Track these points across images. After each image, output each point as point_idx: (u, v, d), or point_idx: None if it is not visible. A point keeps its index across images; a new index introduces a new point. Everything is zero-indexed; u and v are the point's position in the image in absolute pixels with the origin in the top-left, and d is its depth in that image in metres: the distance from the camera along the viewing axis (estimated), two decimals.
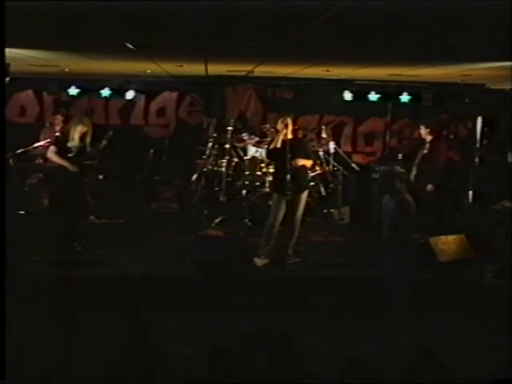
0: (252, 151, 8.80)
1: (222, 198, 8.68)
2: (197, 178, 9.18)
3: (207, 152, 9.25)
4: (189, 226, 8.08)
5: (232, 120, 9.27)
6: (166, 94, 10.52)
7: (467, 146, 9.59)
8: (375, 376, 3.45)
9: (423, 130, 7.88)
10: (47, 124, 9.60)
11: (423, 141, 7.89)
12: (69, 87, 9.91)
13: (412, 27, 4.20)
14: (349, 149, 10.37)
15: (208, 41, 5.32)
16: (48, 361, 3.77)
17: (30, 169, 8.63)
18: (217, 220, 8.26)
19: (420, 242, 6.99)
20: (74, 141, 6.89)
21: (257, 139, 8.92)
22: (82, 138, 6.92)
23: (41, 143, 8.49)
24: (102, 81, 10.06)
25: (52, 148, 6.98)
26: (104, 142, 7.03)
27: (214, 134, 9.49)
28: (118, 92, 10.11)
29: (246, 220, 8.01)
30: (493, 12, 3.37)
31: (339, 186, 9.06)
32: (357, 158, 10.32)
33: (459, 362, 4.27)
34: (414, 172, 7.79)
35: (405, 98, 10.06)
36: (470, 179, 9.71)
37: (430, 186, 7.55)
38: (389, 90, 10.08)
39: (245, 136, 8.99)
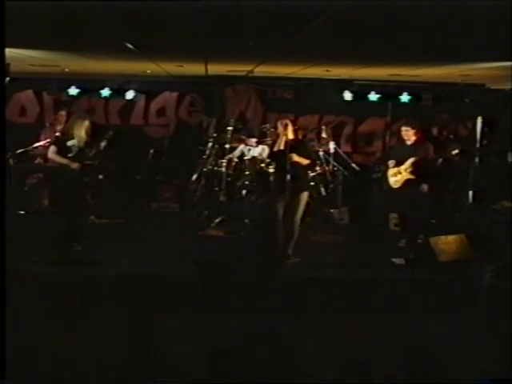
0: (246, 151, 8.82)
1: (222, 198, 8.68)
2: (197, 178, 9.17)
3: (207, 152, 9.25)
4: (189, 226, 8.07)
5: (232, 120, 9.27)
6: (166, 94, 10.52)
7: (467, 146, 9.57)
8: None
9: (410, 131, 7.37)
10: (47, 124, 9.60)
11: (404, 141, 7.47)
12: (69, 87, 9.91)
13: (412, 27, 4.20)
14: (349, 149, 10.37)
15: (208, 41, 5.32)
16: (48, 361, 3.77)
17: (29, 169, 8.63)
18: (217, 220, 8.25)
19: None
20: (81, 138, 6.87)
21: (255, 140, 8.90)
22: (87, 132, 6.92)
23: (41, 143, 8.49)
24: (102, 81, 10.06)
25: (52, 148, 6.97)
26: (103, 144, 7.01)
27: (214, 134, 9.49)
28: (118, 92, 10.11)
29: (246, 220, 8.00)
30: (493, 12, 3.37)
31: (339, 185, 9.07)
32: (357, 158, 10.32)
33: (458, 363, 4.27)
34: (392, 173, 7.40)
35: (405, 97, 10.06)
36: (470, 179, 9.73)
37: (424, 187, 7.30)
38: (389, 90, 10.08)
39: (243, 137, 9.00)
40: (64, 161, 6.84)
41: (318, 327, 5.44)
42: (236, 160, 8.80)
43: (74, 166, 6.81)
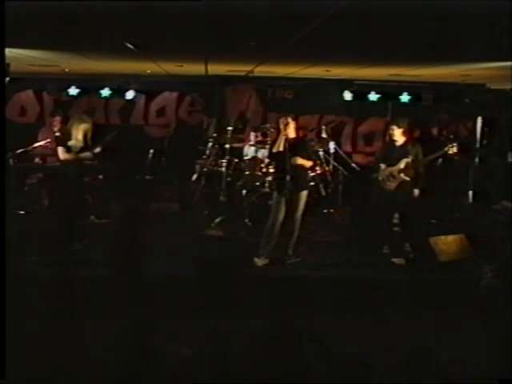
0: (251, 151, 8.83)
1: (222, 198, 8.68)
2: (197, 178, 9.17)
3: (207, 152, 9.26)
4: (189, 226, 8.07)
5: (232, 120, 9.27)
6: (166, 94, 10.54)
7: (467, 146, 9.57)
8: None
9: (396, 131, 7.03)
10: (47, 124, 9.61)
11: (394, 142, 7.10)
12: (69, 87, 9.94)
13: (412, 27, 4.20)
14: (349, 149, 10.38)
15: (208, 41, 5.32)
16: (47, 361, 3.77)
17: (30, 169, 8.63)
18: (217, 220, 8.25)
19: None
20: (78, 140, 6.87)
21: (259, 138, 8.93)
22: (85, 135, 6.92)
23: (41, 143, 8.49)
24: (102, 81, 10.08)
25: (60, 149, 6.88)
26: (98, 150, 6.95)
27: (214, 134, 9.50)
28: (118, 92, 10.13)
29: (246, 220, 8.00)
30: (493, 12, 3.37)
31: (339, 185, 9.08)
32: (357, 158, 10.33)
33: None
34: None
35: (405, 98, 10.09)
36: (470, 179, 9.74)
37: (416, 191, 6.98)
38: (389, 90, 10.10)
39: (253, 136, 9.01)
40: (77, 157, 6.81)
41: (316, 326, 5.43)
42: (236, 160, 8.81)
43: (88, 156, 6.80)
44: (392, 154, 7.10)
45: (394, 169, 6.98)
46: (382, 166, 7.14)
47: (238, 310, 5.55)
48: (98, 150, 6.93)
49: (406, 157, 6.89)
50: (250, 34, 4.87)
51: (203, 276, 6.20)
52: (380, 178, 7.15)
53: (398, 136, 7.04)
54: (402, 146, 7.03)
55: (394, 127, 7.05)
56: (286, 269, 6.70)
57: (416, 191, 6.98)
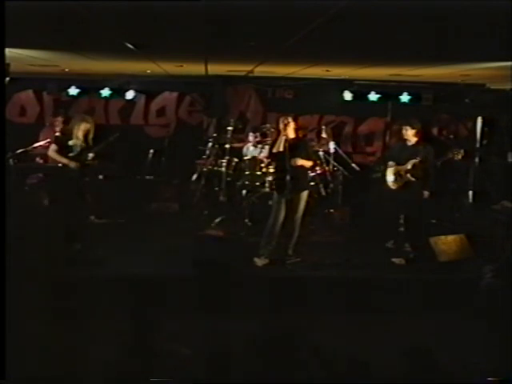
0: (251, 151, 8.83)
1: (221, 198, 8.68)
2: (197, 178, 9.18)
3: (207, 152, 9.26)
4: (189, 226, 8.07)
5: (232, 120, 9.27)
6: (166, 94, 10.54)
7: (467, 146, 9.56)
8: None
9: (410, 131, 7.11)
10: (47, 124, 9.61)
11: (404, 142, 7.20)
12: (69, 87, 9.94)
13: (412, 27, 4.20)
14: (349, 149, 10.38)
15: (208, 41, 5.33)
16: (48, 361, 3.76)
17: (30, 169, 8.63)
18: (217, 220, 8.25)
19: None
20: (78, 139, 6.88)
21: (258, 138, 8.94)
22: (86, 135, 6.94)
23: (41, 143, 8.49)
24: (102, 81, 10.08)
25: (53, 146, 6.96)
26: (91, 156, 6.93)
27: (214, 134, 9.50)
28: (118, 92, 10.13)
29: (246, 220, 8.00)
30: (493, 12, 3.38)
31: (339, 185, 9.07)
32: (357, 158, 10.33)
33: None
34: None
35: (405, 98, 10.10)
36: (470, 179, 9.74)
37: (425, 193, 7.04)
38: (389, 90, 10.11)
39: (251, 136, 9.03)
40: (63, 160, 6.85)
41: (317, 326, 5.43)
42: (236, 160, 8.81)
43: (73, 165, 6.82)
44: (402, 153, 7.16)
45: (402, 168, 7.04)
46: (392, 164, 7.17)
47: (238, 310, 5.55)
48: (91, 155, 6.93)
49: (414, 157, 6.95)
50: (249, 34, 4.87)
51: (203, 276, 6.21)
52: (387, 178, 7.17)
53: (411, 136, 7.13)
54: (413, 146, 7.11)
55: (408, 127, 7.13)
56: (286, 269, 6.69)
57: (426, 193, 7.04)
